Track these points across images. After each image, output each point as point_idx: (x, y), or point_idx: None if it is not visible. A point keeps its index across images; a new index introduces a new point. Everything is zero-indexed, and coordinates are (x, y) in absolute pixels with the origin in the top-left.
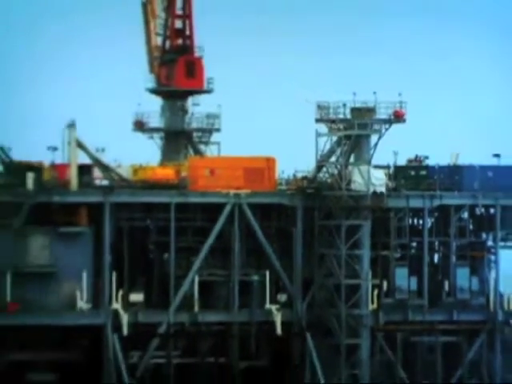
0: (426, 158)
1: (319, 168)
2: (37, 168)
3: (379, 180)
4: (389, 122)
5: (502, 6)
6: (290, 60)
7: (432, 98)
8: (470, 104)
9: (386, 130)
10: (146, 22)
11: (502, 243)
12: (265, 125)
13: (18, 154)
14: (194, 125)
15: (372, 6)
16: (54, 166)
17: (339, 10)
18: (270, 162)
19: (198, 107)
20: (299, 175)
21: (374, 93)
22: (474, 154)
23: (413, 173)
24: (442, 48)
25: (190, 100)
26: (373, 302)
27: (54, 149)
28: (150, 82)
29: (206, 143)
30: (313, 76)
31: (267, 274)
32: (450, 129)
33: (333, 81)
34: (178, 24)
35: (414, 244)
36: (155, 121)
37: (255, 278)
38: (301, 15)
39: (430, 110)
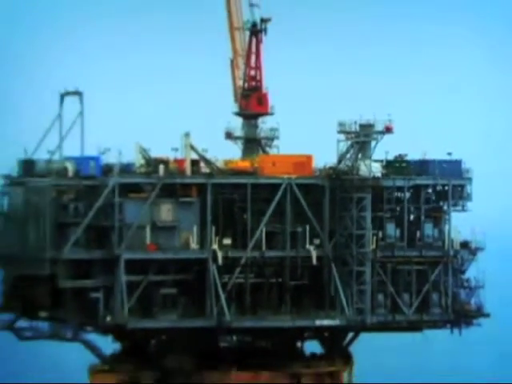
0: (406, 155)
1: (339, 161)
2: (165, 161)
3: (376, 169)
4: (382, 133)
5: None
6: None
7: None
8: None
9: (381, 138)
10: (232, 71)
11: (452, 208)
12: (307, 135)
13: (153, 152)
14: (262, 135)
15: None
16: (176, 161)
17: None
18: (308, 157)
19: (265, 124)
20: (327, 166)
21: (374, 114)
22: (438, 151)
23: (397, 164)
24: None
25: (260, 119)
26: (372, 244)
27: (176, 149)
28: (235, 108)
29: (270, 146)
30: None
31: (307, 227)
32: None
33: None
34: (252, 72)
35: (398, 208)
36: (238, 132)
37: (299, 229)
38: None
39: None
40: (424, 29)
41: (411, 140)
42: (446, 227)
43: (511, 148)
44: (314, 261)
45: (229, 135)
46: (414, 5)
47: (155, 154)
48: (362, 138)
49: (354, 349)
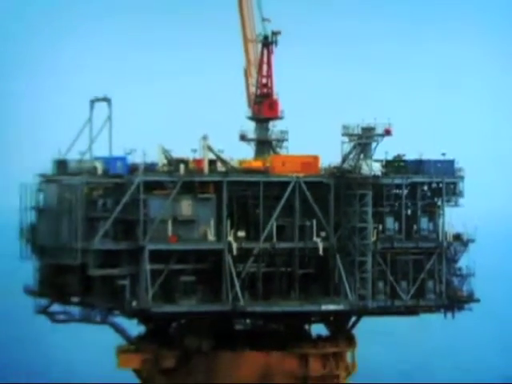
0: (404, 155)
1: (343, 161)
2: (185, 161)
3: (376, 168)
4: (382, 135)
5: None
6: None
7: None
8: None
9: (381, 140)
10: (246, 79)
11: (446, 203)
12: (314, 137)
13: (174, 153)
14: (273, 137)
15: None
16: (195, 160)
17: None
18: (315, 158)
19: (276, 127)
20: (332, 165)
21: (375, 118)
22: (434, 151)
23: (395, 164)
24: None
25: (271, 123)
26: (373, 236)
27: (195, 150)
28: (248, 113)
29: (280, 147)
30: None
31: (314, 221)
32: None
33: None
34: (264, 80)
35: (397, 204)
36: (251, 135)
37: (307, 223)
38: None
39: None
40: (425, 26)
41: (409, 141)
42: (440, 221)
43: (505, 148)
44: (321, 251)
45: (243, 137)
46: (416, 5)
47: (176, 154)
48: (363, 140)
49: (357, 331)
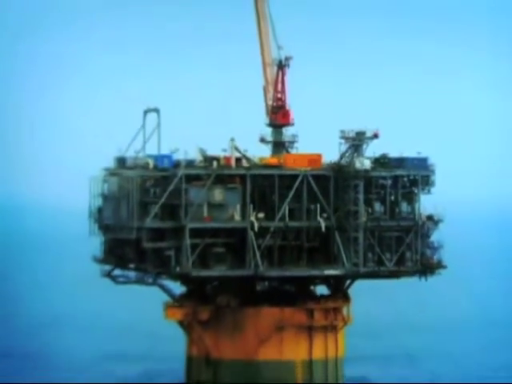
0: (388, 154)
1: (341, 158)
2: (217, 158)
3: (367, 164)
4: (371, 138)
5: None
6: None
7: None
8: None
9: (370, 142)
10: (265, 94)
11: (421, 191)
12: (318, 139)
13: (209, 152)
14: (286, 139)
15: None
16: (225, 158)
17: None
18: (319, 156)
19: (288, 132)
20: (332, 162)
21: (366, 125)
22: (412, 150)
23: (382, 161)
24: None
25: (284, 128)
26: (364, 217)
27: (225, 150)
28: (266, 121)
29: (292, 147)
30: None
31: (318, 205)
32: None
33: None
34: (279, 95)
35: (382, 192)
36: (269, 137)
37: (312, 206)
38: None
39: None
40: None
41: (392, 142)
42: (416, 205)
43: (470, 144)
44: (323, 229)
45: (262, 140)
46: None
47: (210, 153)
48: (356, 141)
49: (351, 291)
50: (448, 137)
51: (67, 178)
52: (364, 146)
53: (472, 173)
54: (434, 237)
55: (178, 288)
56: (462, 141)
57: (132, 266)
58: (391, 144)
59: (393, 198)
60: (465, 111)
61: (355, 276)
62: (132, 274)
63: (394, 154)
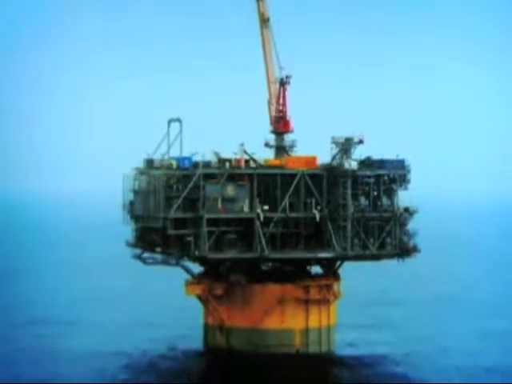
0: (371, 156)
1: (332, 160)
2: (229, 160)
3: (354, 164)
4: (357, 143)
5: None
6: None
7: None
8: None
9: (357, 146)
10: (269, 106)
11: (398, 188)
12: (313, 144)
13: (222, 154)
14: (287, 144)
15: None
16: (235, 159)
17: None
18: (314, 158)
19: (288, 137)
20: (325, 163)
21: (353, 132)
22: (391, 154)
23: (366, 162)
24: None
25: (285, 135)
26: (352, 209)
27: (235, 153)
28: (270, 128)
29: (291, 151)
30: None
31: (313, 199)
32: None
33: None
34: (280, 107)
35: (367, 188)
36: (272, 142)
37: (309, 200)
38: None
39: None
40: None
41: (375, 147)
42: (395, 199)
43: (444, 145)
44: (317, 219)
45: (267, 144)
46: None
47: (223, 155)
48: (345, 146)
49: (341, 270)
50: (423, 140)
51: (99, 175)
52: (351, 150)
53: (445, 170)
54: (410, 225)
55: (196, 268)
56: (436, 143)
57: (158, 249)
58: (374, 148)
59: (375, 193)
60: (440, 116)
61: (344, 258)
62: (158, 257)
63: (376, 156)
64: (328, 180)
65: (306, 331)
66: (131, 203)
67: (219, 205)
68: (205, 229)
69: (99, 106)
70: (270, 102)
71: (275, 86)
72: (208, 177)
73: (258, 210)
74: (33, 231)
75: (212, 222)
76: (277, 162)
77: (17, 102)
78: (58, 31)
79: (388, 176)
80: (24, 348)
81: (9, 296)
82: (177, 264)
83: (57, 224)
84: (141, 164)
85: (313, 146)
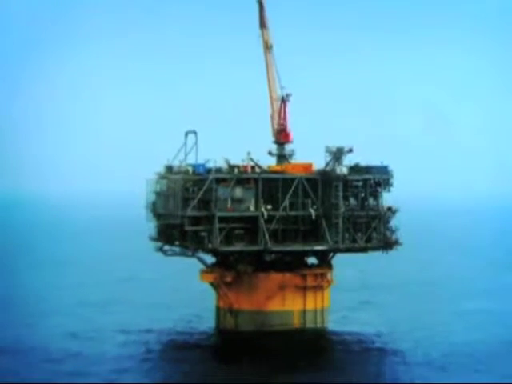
0: (359, 163)
1: (326, 166)
2: (238, 166)
3: (344, 170)
4: (347, 152)
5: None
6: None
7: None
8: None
9: (347, 154)
10: (271, 120)
11: (383, 190)
12: (310, 152)
13: (232, 161)
14: (287, 153)
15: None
16: (243, 166)
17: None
18: (310, 164)
19: (288, 147)
20: (320, 169)
21: (344, 143)
22: (376, 160)
23: (355, 168)
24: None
25: (286, 145)
26: (342, 208)
27: (243, 160)
28: (273, 139)
29: (291, 158)
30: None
31: (310, 200)
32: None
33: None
34: (282, 121)
35: (356, 190)
36: (274, 151)
37: (306, 201)
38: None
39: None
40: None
41: (362, 156)
42: (380, 200)
43: (421, 152)
44: (313, 217)
45: (270, 153)
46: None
47: (233, 162)
48: (337, 154)
49: (333, 261)
50: (406, 145)
51: (124, 178)
52: (342, 158)
53: (425, 175)
54: (393, 222)
55: (209, 259)
56: (418, 147)
57: (177, 243)
58: (362, 156)
59: (363, 194)
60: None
61: (336, 250)
62: (177, 249)
63: (363, 163)
64: (322, 183)
65: (304, 312)
66: (153, 203)
67: (229, 205)
68: (217, 225)
69: (116, 116)
70: (272, 117)
71: (277, 103)
72: (219, 181)
73: (262, 209)
74: (68, 228)
75: (223, 220)
76: (278, 168)
77: (38, 105)
78: (79, 34)
79: (374, 180)
80: (66, 324)
81: (64, 280)
82: (193, 255)
83: (87, 223)
84: (161, 170)
85: (309, 154)
